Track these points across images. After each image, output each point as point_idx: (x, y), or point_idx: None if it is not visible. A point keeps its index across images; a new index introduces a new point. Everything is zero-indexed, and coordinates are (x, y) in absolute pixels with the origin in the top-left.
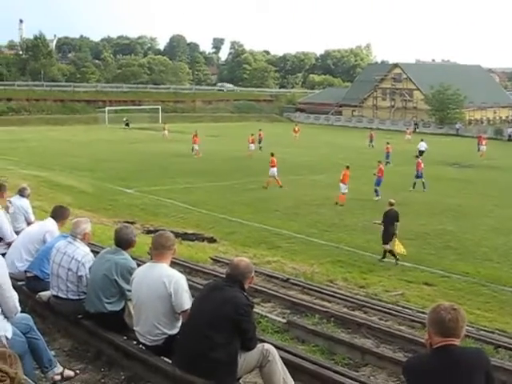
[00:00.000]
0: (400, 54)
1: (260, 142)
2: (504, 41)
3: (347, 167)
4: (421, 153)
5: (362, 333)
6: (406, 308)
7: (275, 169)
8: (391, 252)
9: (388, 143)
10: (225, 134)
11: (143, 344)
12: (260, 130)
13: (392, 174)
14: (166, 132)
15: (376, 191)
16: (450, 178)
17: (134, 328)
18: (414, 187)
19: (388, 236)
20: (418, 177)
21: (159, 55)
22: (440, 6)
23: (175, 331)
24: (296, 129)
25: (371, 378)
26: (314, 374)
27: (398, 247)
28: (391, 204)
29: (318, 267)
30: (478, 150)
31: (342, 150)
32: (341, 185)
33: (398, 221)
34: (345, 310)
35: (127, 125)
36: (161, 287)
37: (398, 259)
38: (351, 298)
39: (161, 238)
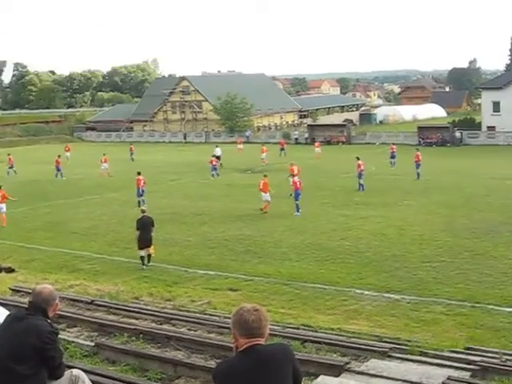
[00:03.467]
0: (187, 67)
1: (12, 167)
2: (285, 49)
3: (265, 176)
4: (218, 158)
5: (172, 345)
6: (214, 315)
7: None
8: (149, 256)
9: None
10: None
11: None
12: (9, 154)
13: (191, 185)
14: None
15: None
16: (244, 184)
17: None
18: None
19: (144, 241)
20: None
21: None
22: (219, 19)
23: None
24: (67, 148)
25: None
26: None
27: (152, 250)
28: (143, 211)
29: (123, 285)
30: (280, 154)
31: (137, 166)
32: (262, 194)
33: (153, 226)
34: (153, 324)
35: None
36: None
37: (146, 264)
38: (158, 312)
39: None
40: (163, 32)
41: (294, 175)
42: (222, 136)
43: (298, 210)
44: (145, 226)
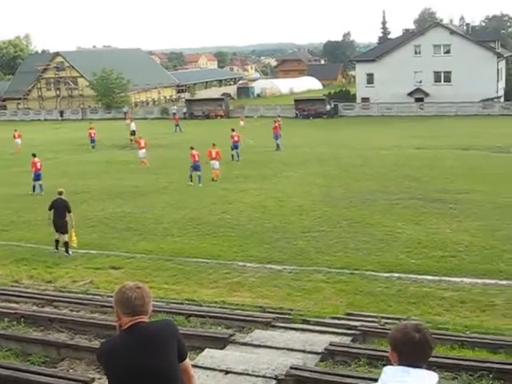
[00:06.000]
0: (61, 42)
1: None
2: (160, 23)
3: (214, 145)
4: (133, 132)
5: (55, 328)
6: (96, 295)
7: None
8: (66, 244)
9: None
10: None
11: None
12: None
13: (68, 163)
14: None
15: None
16: (123, 160)
17: None
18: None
19: (56, 226)
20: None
21: None
22: None
23: None
24: None
25: (70, 371)
26: (10, 379)
27: (73, 239)
28: (60, 193)
29: (1, 269)
30: (176, 130)
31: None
32: (212, 162)
33: (69, 211)
34: (34, 307)
35: None
36: None
37: (69, 252)
38: (39, 294)
39: None
40: (35, 6)
41: (140, 148)
42: (100, 112)
43: (190, 180)
44: (57, 209)
